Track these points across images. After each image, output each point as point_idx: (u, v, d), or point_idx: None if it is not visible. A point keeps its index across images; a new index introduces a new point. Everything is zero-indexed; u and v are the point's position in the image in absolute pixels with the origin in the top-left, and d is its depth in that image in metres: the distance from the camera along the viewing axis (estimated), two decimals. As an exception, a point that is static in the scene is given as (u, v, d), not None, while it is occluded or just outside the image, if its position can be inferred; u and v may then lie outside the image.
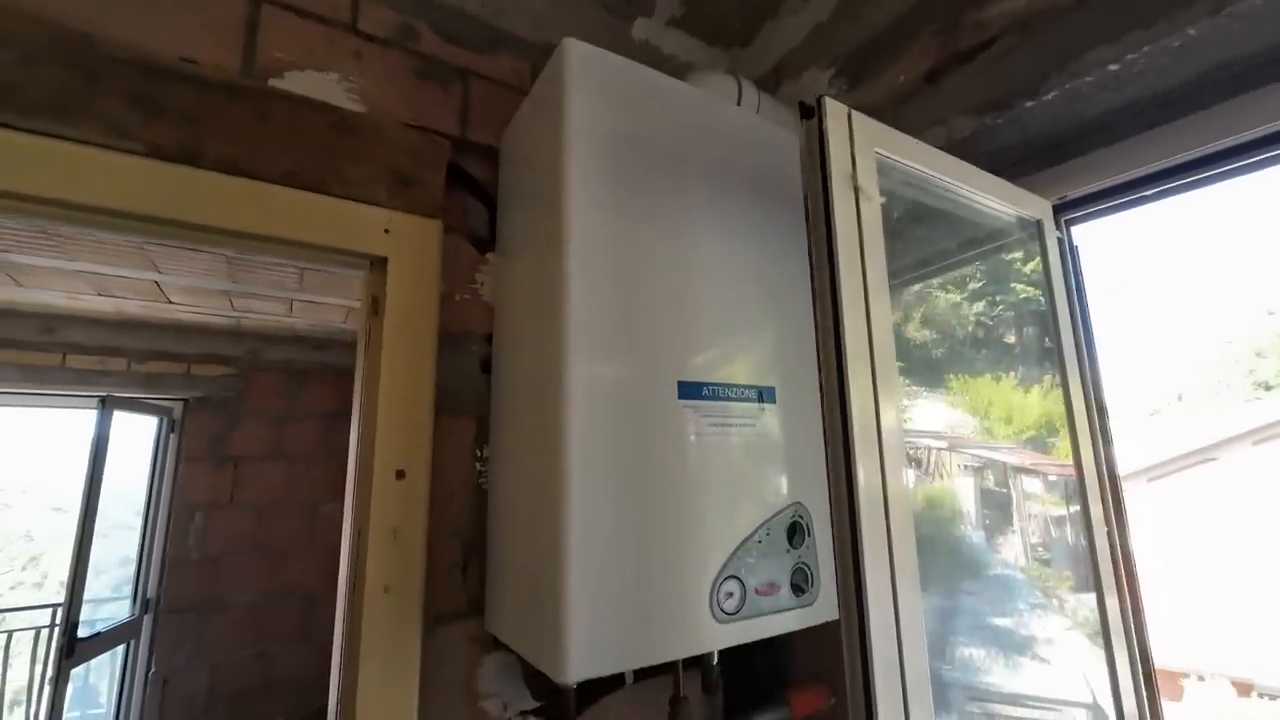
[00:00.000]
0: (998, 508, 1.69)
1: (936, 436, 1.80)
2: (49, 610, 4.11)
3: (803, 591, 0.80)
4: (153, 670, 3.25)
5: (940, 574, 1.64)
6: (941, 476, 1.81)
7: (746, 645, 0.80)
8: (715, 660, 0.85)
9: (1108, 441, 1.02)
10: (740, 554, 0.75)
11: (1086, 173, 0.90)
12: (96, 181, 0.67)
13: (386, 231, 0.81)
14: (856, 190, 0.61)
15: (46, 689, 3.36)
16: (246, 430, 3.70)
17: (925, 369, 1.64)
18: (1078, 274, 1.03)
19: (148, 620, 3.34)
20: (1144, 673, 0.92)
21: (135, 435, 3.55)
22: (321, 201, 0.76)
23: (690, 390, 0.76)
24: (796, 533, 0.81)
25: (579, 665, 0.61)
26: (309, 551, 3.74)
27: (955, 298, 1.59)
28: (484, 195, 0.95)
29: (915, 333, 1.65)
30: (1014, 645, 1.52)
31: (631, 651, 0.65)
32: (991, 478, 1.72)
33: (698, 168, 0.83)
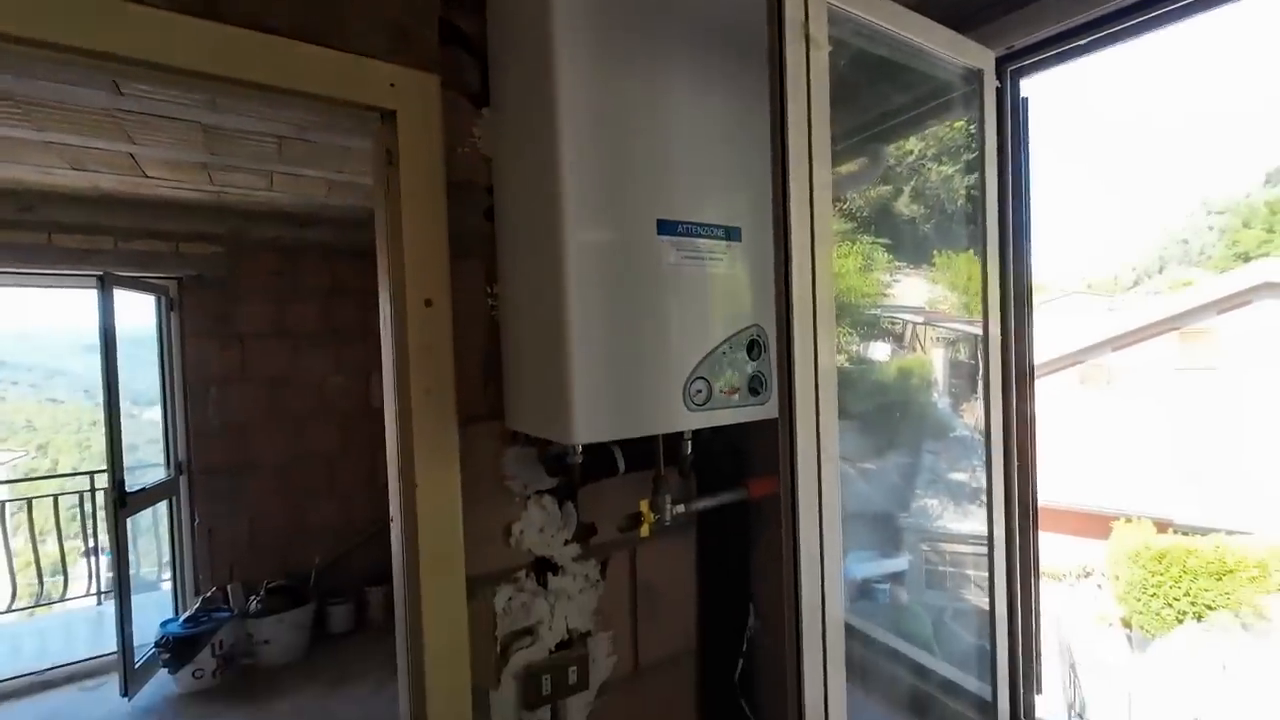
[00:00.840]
0: (966, 378, 1.76)
1: (917, 312, 1.92)
2: (87, 477, 4.47)
3: (756, 394, 1.01)
4: (197, 522, 3.65)
5: (908, 436, 1.83)
6: (918, 349, 1.96)
7: (715, 445, 1.02)
8: (689, 451, 1.08)
9: (1021, 306, 1.13)
10: (708, 361, 0.94)
11: (1033, 21, 0.98)
12: (120, 32, 0.74)
13: (392, 86, 0.89)
14: (807, 39, 0.71)
15: (105, 538, 3.78)
16: (249, 309, 3.83)
17: (913, 246, 1.70)
18: (1023, 128, 1.13)
19: (183, 481, 3.68)
20: (1022, 516, 1.11)
21: (132, 316, 3.64)
22: (335, 56, 0.83)
23: (667, 227, 0.90)
24: (754, 348, 1.00)
25: (584, 431, 0.82)
26: (323, 420, 4.04)
27: (948, 169, 1.56)
28: (475, 50, 1.01)
29: (906, 208, 1.68)
30: (965, 495, 1.71)
31: (623, 425, 0.86)
32: (964, 350, 1.79)
33: (678, 19, 0.90)
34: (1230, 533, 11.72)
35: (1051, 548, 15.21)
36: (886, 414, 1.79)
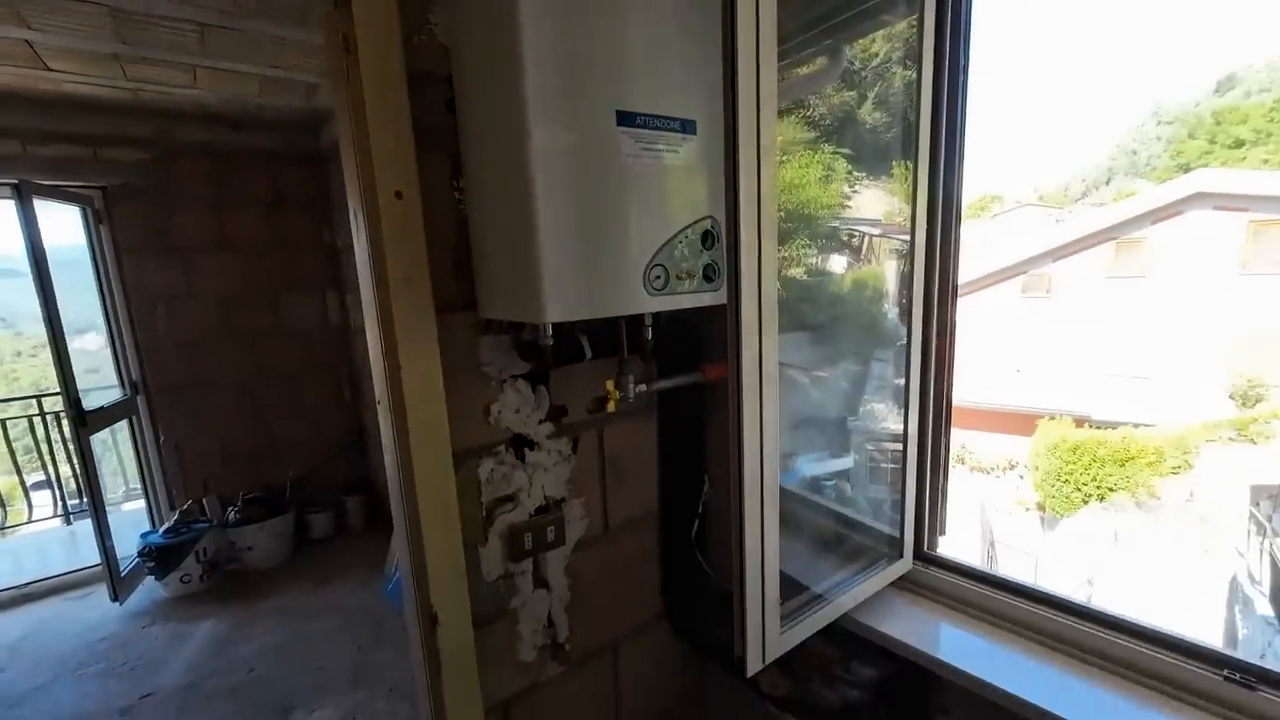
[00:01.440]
0: (912, 288, 1.87)
1: (874, 224, 1.94)
2: (34, 401, 4.33)
3: (710, 280, 1.10)
4: (163, 439, 3.65)
5: (860, 345, 1.92)
6: (873, 261, 1.98)
7: (674, 332, 1.12)
8: (650, 336, 1.19)
9: (949, 213, 1.21)
10: (666, 249, 1.03)
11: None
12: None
13: (344, -35, 0.87)
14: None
15: (71, 456, 3.74)
16: (187, 221, 3.62)
17: (874, 156, 1.70)
18: (965, 19, 1.18)
19: (141, 400, 3.63)
20: (937, 404, 1.27)
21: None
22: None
23: (626, 119, 0.95)
24: (708, 238, 1.08)
25: (553, 310, 0.91)
26: (282, 338, 3.98)
27: (913, 74, 1.55)
28: (424, -73, 0.98)
29: (869, 116, 1.67)
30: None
31: (589, 306, 0.95)
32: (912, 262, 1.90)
33: (630, -101, 0.90)
34: (1137, 425, 13.08)
35: (983, 445, 16.66)
36: (841, 325, 1.86)
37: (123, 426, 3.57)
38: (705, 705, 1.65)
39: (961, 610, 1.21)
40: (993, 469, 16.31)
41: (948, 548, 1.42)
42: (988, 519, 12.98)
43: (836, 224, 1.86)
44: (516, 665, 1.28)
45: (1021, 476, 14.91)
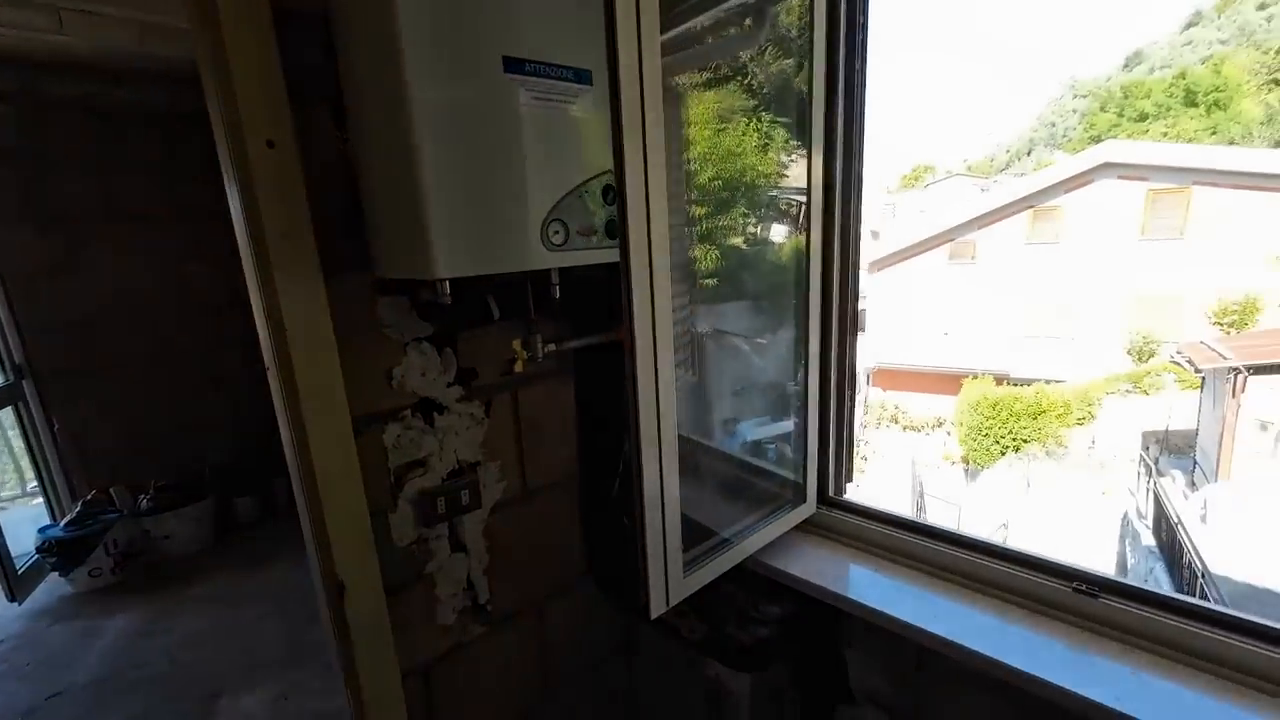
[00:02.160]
0: None
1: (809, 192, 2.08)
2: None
3: (613, 236, 1.10)
4: (56, 427, 3.37)
5: (796, 311, 2.04)
6: (810, 230, 2.12)
7: (589, 290, 1.11)
8: (557, 295, 1.18)
9: (849, 183, 1.24)
10: (564, 204, 1.01)
11: None
12: None
13: (186, -118, 0.78)
14: None
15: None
16: (67, 187, 3.28)
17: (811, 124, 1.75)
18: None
19: (29, 385, 3.32)
20: (839, 368, 1.32)
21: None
22: None
23: (514, 65, 0.92)
24: (609, 192, 1.07)
25: (444, 265, 0.89)
26: (188, 314, 3.71)
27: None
28: None
29: (804, 84, 1.75)
30: None
31: (482, 261, 0.93)
32: None
33: None
34: (1049, 381, 14.18)
35: (915, 405, 17.64)
36: (781, 292, 1.87)
37: (8, 415, 3.26)
38: (632, 655, 1.71)
39: (860, 548, 1.30)
40: (923, 427, 17.39)
41: (880, 500, 1.51)
42: (918, 473, 13.88)
43: (775, 193, 1.89)
44: (436, 629, 1.28)
45: (948, 433, 15.98)
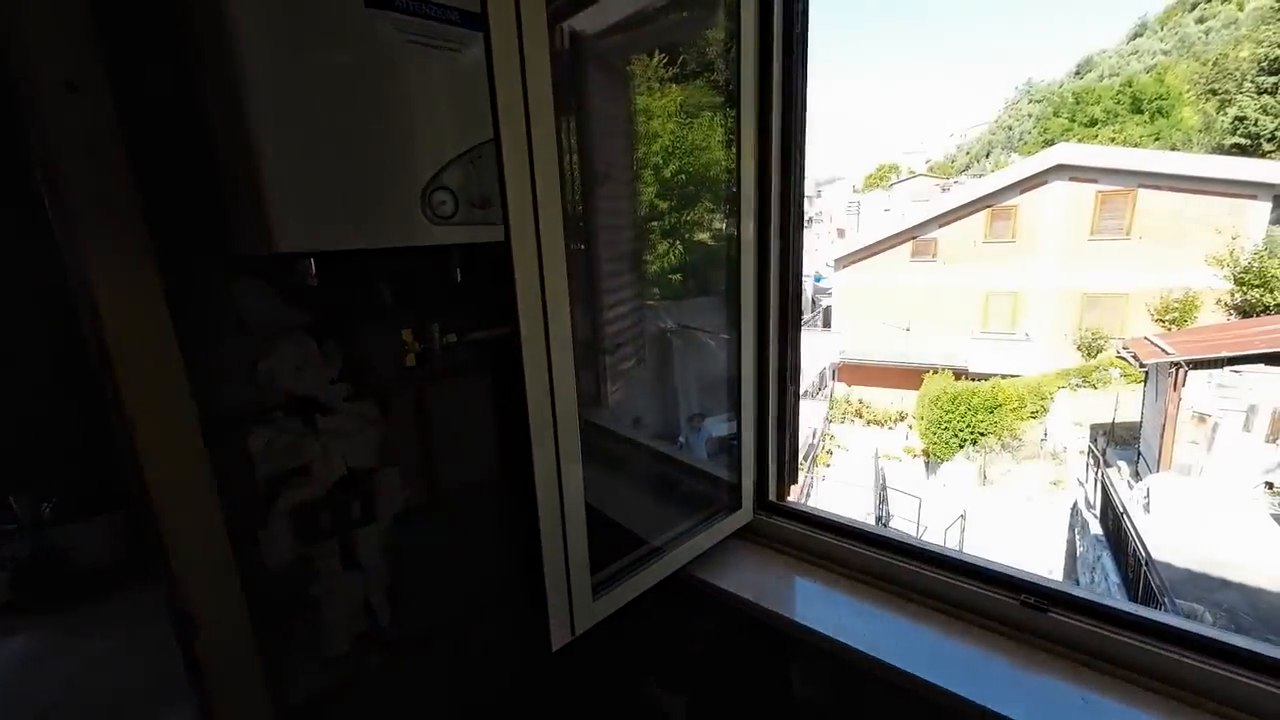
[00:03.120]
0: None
1: None
2: None
3: (519, 210, 0.96)
4: (-55, 429, 3.03)
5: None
6: (740, 218, 2.09)
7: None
8: (459, 278, 1.03)
9: (787, 203, 1.16)
10: (454, 169, 0.87)
11: None
12: None
13: None
14: None
15: None
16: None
17: None
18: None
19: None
20: (780, 365, 1.22)
21: None
22: None
23: (379, -2, 0.77)
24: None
25: (287, 237, 0.73)
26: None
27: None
28: None
29: (731, 67, 1.72)
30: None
31: (345, 235, 0.78)
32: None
33: None
34: (1005, 376, 14.61)
35: (878, 400, 17.99)
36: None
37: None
38: (565, 679, 1.58)
39: (801, 558, 1.19)
40: (886, 421, 17.73)
41: (840, 498, 1.41)
42: (879, 466, 14.13)
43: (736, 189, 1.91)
44: (324, 661, 1.12)
45: (910, 426, 16.33)
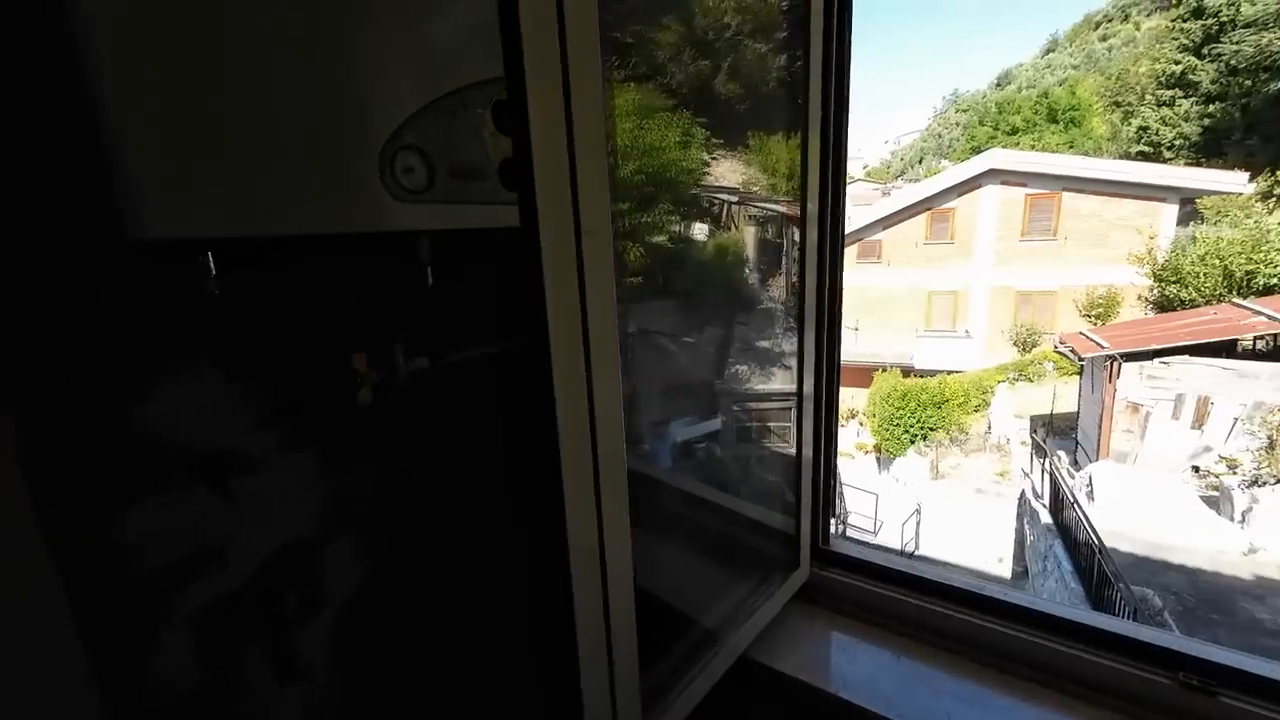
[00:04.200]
0: (773, 255, 1.93)
1: (733, 192, 1.93)
2: None
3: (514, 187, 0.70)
4: None
5: (722, 310, 1.97)
6: (733, 229, 1.99)
7: (489, 275, 0.70)
8: (430, 278, 0.76)
9: (839, 181, 1.03)
10: (425, 122, 0.59)
11: None
12: None
13: None
14: None
15: None
16: None
17: (731, 126, 1.71)
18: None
19: None
20: (828, 366, 1.05)
21: None
22: None
23: None
24: (504, 111, 0.67)
25: (166, 219, 0.45)
26: None
27: (762, 48, 1.56)
28: None
29: (723, 86, 1.67)
30: (769, 359, 1.88)
31: (263, 212, 0.50)
32: (771, 229, 1.92)
33: None
34: (950, 372, 15.17)
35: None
36: (705, 290, 1.91)
37: None
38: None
39: (863, 619, 0.97)
40: (839, 418, 18.10)
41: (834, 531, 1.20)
42: (834, 464, 14.36)
43: (697, 190, 1.89)
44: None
45: (861, 423, 16.74)
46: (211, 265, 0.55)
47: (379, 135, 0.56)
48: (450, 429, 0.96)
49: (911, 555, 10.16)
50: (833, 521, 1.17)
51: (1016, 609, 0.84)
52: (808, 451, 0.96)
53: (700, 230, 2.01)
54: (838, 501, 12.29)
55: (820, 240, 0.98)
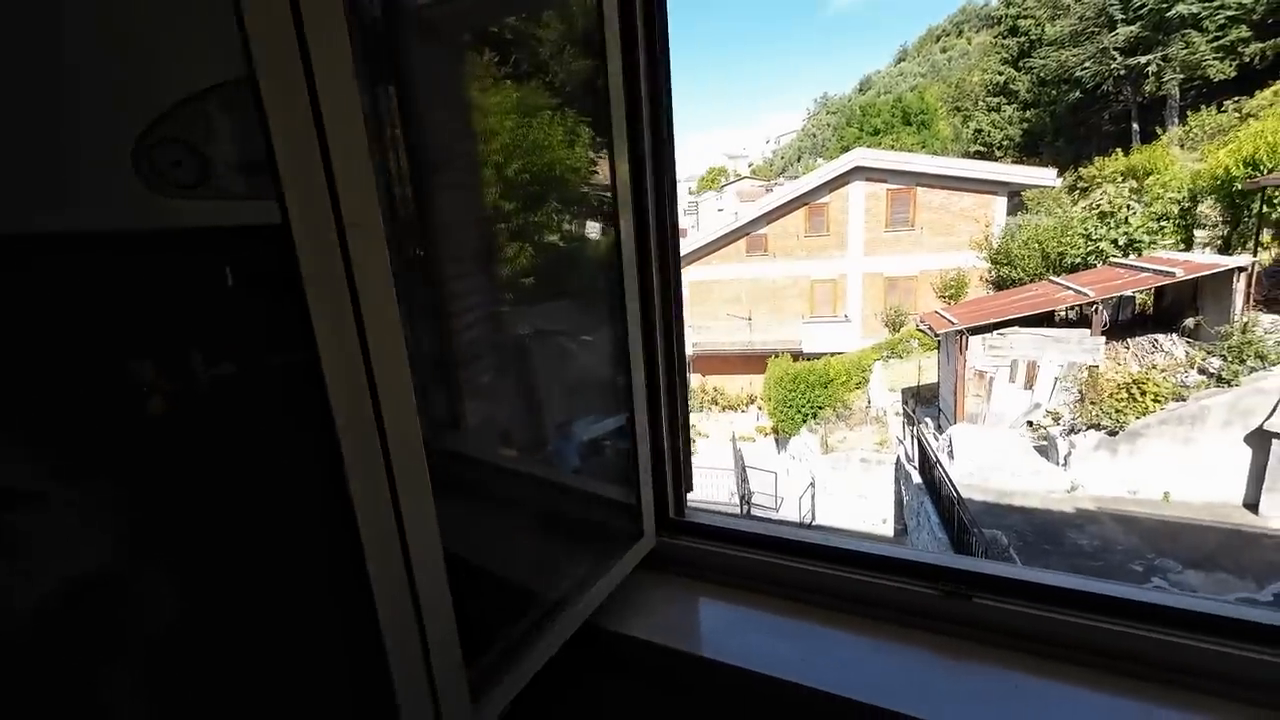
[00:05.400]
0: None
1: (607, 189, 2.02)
2: None
3: (316, 181, 0.68)
4: None
5: (618, 307, 2.03)
6: (619, 220, 2.06)
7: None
8: (230, 280, 0.72)
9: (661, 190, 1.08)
10: (190, 112, 0.57)
11: None
12: None
13: None
14: None
15: None
16: None
17: (606, 124, 1.68)
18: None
19: None
20: (667, 367, 1.11)
21: None
22: None
23: None
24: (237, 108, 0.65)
25: None
26: None
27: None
28: None
29: (600, 84, 1.70)
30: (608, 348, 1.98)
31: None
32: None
33: None
34: (833, 354, 16.44)
35: (730, 386, 19.25)
36: (598, 288, 1.95)
37: None
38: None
39: (717, 580, 1.05)
40: (738, 405, 19.06)
41: (707, 501, 1.28)
42: (737, 447, 15.11)
43: (586, 189, 1.86)
44: None
45: (759, 408, 17.73)
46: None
47: (136, 124, 0.52)
48: (261, 433, 0.91)
49: (809, 526, 10.93)
50: (744, 501, 1.25)
51: (825, 549, 0.95)
52: (642, 424, 1.02)
53: (593, 229, 2.06)
54: (746, 482, 12.85)
55: (638, 236, 1.04)
